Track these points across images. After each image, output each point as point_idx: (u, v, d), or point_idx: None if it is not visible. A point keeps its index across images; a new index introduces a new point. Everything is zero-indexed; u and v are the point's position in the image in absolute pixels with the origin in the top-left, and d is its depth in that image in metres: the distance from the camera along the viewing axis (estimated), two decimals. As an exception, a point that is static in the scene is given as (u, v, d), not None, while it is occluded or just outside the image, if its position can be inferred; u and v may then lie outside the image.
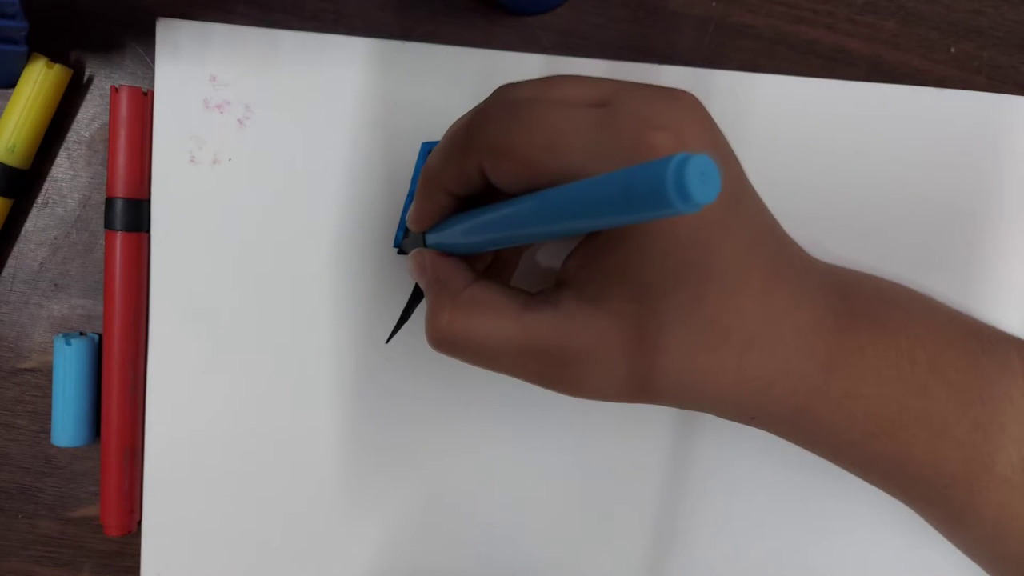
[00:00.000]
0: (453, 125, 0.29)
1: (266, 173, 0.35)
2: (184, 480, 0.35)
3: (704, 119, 0.27)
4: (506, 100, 0.28)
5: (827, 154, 0.36)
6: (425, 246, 0.31)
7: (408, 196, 0.35)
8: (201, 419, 0.35)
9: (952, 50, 0.38)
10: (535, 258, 0.36)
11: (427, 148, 0.35)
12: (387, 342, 0.35)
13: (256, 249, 0.35)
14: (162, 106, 0.34)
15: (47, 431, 0.36)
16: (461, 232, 0.29)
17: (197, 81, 0.34)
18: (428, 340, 0.29)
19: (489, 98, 0.29)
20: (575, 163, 0.25)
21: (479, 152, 0.27)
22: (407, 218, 0.32)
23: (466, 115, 0.29)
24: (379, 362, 0.36)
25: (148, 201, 0.35)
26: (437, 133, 0.35)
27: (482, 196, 0.28)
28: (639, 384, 0.28)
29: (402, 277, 0.35)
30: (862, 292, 0.32)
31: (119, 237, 0.34)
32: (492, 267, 0.33)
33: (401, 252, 0.35)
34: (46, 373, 0.36)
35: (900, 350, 0.31)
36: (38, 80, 0.34)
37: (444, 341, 0.29)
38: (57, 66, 0.34)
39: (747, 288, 0.27)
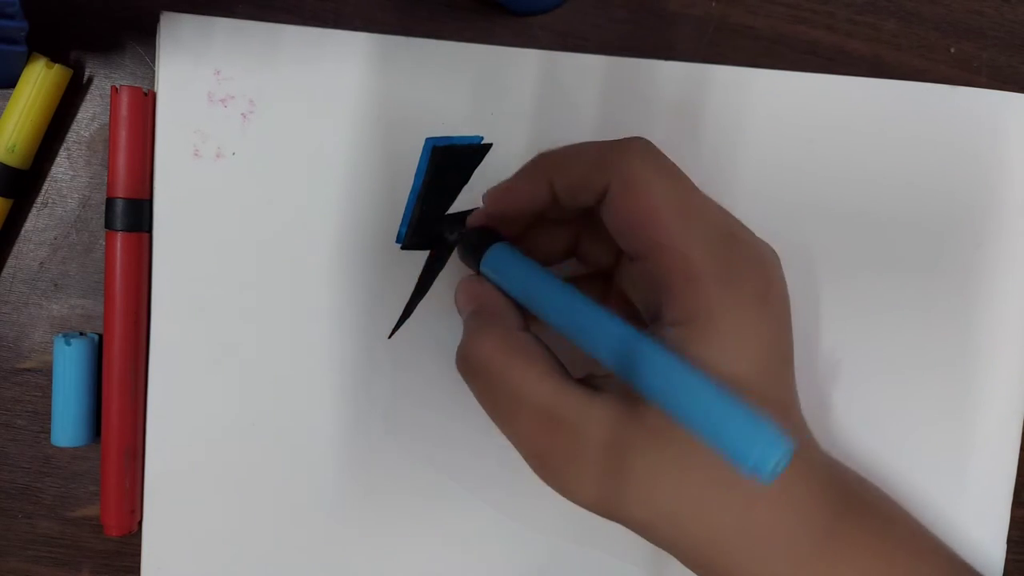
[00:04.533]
0: (592, 142, 0.30)
1: (269, 168, 0.35)
2: (185, 480, 0.35)
3: (785, 291, 0.29)
4: (661, 155, 0.29)
5: (827, 150, 0.36)
6: (478, 273, 0.31)
7: (412, 192, 0.35)
8: (202, 419, 0.35)
9: (952, 50, 0.38)
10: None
11: (431, 144, 0.35)
12: (389, 337, 0.35)
13: (258, 244, 0.35)
14: (165, 100, 0.34)
15: (47, 431, 0.36)
16: (536, 291, 0.29)
17: (201, 75, 0.34)
18: (459, 359, 0.29)
19: (646, 141, 0.29)
20: (682, 241, 0.27)
21: (608, 172, 0.28)
22: (485, 198, 0.32)
23: (615, 141, 0.29)
24: (382, 358, 0.36)
25: (149, 201, 0.35)
26: (440, 128, 0.35)
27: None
28: (619, 504, 0.28)
29: (404, 272, 0.35)
30: (855, 484, 0.33)
31: (119, 237, 0.34)
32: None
33: (404, 248, 0.35)
34: (46, 373, 0.36)
35: (888, 550, 0.31)
36: (38, 80, 0.34)
37: (477, 368, 0.28)
38: (57, 66, 0.34)
39: None
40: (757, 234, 0.31)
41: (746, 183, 0.36)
